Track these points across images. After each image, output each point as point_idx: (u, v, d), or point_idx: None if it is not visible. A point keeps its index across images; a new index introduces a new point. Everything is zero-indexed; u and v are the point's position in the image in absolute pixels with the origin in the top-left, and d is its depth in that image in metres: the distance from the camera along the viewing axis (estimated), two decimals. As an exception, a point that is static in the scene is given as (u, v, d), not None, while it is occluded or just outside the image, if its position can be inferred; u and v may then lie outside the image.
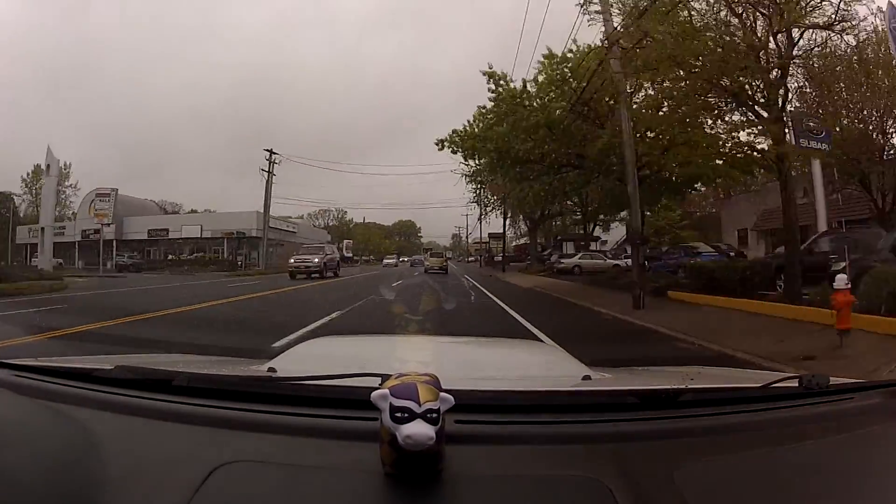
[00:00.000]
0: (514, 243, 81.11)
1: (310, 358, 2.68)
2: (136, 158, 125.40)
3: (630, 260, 38.23)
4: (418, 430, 1.12)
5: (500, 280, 34.86)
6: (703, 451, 1.35)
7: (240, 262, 57.88)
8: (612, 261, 40.33)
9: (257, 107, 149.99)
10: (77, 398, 1.60)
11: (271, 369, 2.01)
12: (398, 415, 1.14)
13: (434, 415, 1.15)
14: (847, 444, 1.46)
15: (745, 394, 1.73)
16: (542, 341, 7.99)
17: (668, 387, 1.58)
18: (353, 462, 1.24)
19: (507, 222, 56.36)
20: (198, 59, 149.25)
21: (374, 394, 1.18)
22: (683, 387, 1.57)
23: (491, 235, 74.10)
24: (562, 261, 40.93)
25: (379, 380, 1.30)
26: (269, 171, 52.45)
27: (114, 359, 2.02)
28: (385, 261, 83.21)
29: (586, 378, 2.09)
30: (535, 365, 2.73)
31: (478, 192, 54.94)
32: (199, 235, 63.27)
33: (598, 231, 64.05)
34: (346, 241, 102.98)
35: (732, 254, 35.96)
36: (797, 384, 1.65)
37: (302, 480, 1.20)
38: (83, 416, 1.47)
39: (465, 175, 46.77)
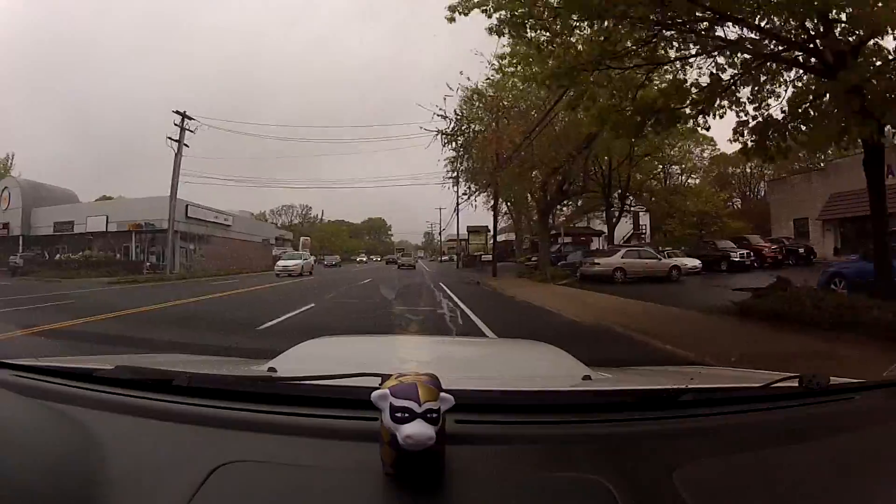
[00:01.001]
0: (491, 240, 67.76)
1: (310, 358, 2.65)
2: (112, 155, 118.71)
3: (691, 261, 29.73)
4: (418, 430, 1.12)
5: (506, 298, 20.39)
6: (703, 450, 1.35)
7: (149, 263, 45.00)
8: (668, 260, 28.90)
9: (235, 100, 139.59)
10: (78, 398, 1.61)
11: (271, 369, 2.00)
12: (398, 415, 1.14)
13: (434, 415, 1.15)
14: (848, 444, 1.46)
15: (746, 394, 1.73)
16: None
17: (669, 387, 1.60)
18: (353, 462, 1.25)
19: (492, 214, 40.47)
20: (172, 53, 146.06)
21: (374, 394, 1.19)
22: (684, 387, 1.59)
23: (470, 229, 59.50)
24: (597, 261, 28.25)
25: (379, 380, 1.29)
26: (179, 141, 38.77)
27: (114, 359, 2.01)
28: (281, 263, 41.57)
29: (586, 378, 2.07)
30: (536, 365, 2.70)
31: (457, 158, 36.20)
32: (104, 228, 48.71)
33: (597, 224, 53.99)
34: (303, 239, 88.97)
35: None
36: (797, 384, 1.65)
37: (302, 480, 1.21)
38: (84, 416, 1.48)
39: (442, 133, 32.45)
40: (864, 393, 1.74)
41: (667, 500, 1.14)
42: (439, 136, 32.10)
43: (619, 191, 39.76)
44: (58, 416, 1.49)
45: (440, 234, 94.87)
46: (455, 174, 38.32)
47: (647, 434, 1.42)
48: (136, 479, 1.20)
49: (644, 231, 56.33)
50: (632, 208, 45.45)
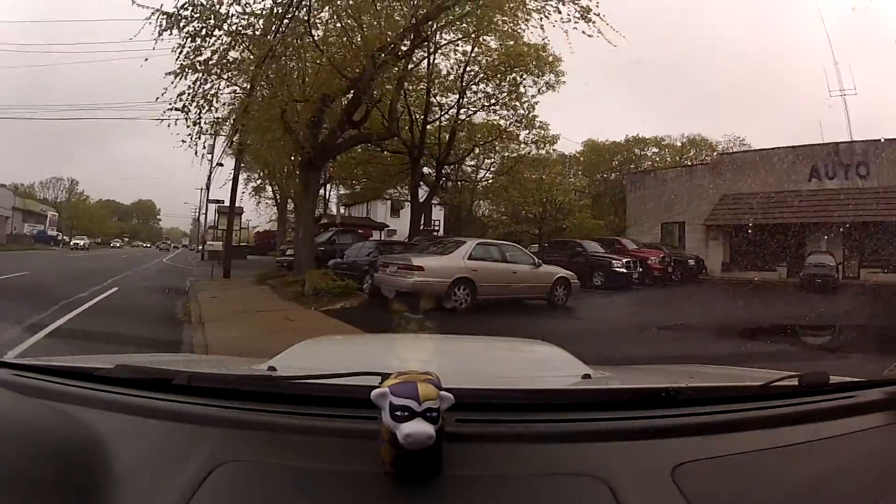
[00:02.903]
0: (256, 228, 50.65)
1: (310, 357, 2.64)
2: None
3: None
4: (418, 428, 1.12)
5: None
6: (702, 449, 1.36)
7: None
8: (550, 269, 15.91)
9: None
10: (77, 397, 1.60)
11: (271, 368, 1.99)
12: (398, 413, 1.14)
13: (434, 413, 1.15)
14: (847, 443, 1.46)
15: (745, 392, 1.73)
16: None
17: (669, 385, 1.58)
18: (353, 461, 1.25)
19: (243, 184, 26.71)
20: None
21: (373, 392, 1.19)
22: (683, 385, 1.59)
23: (221, 210, 35.91)
24: (416, 263, 13.64)
25: (379, 378, 1.29)
26: None
27: (114, 358, 2.00)
28: None
29: (586, 377, 2.07)
30: (536, 363, 2.71)
31: (186, 68, 15.17)
32: None
33: (380, 214, 40.81)
34: (50, 214, 73.39)
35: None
36: (797, 383, 1.65)
37: (302, 479, 1.21)
38: (83, 415, 1.48)
39: (162, 14, 14.18)
40: (863, 392, 1.73)
41: (667, 498, 1.14)
42: (156, 20, 14.49)
43: (438, 158, 26.72)
44: (58, 415, 1.48)
45: (199, 218, 75.26)
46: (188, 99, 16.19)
47: (647, 432, 1.42)
48: (136, 478, 1.20)
49: (437, 228, 39.16)
50: (457, 182, 33.63)
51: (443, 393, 1.18)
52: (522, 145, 30.17)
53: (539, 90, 26.85)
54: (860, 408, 1.63)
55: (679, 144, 48.09)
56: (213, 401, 1.51)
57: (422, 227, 29.60)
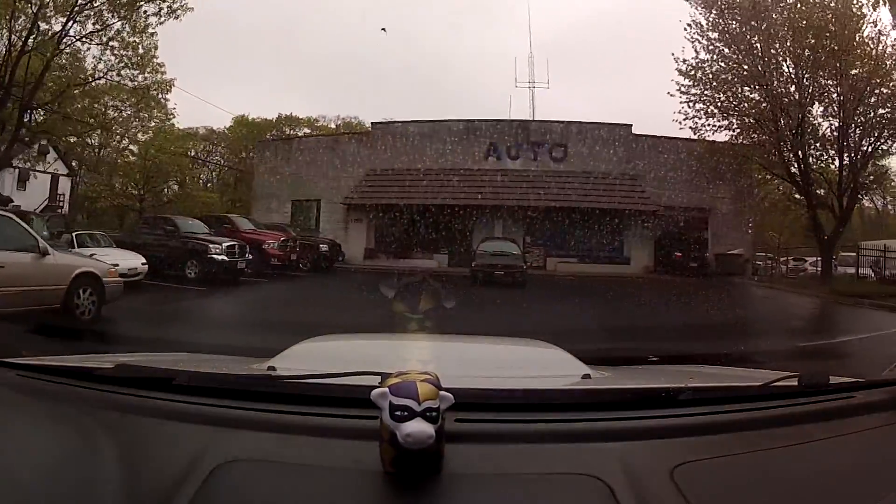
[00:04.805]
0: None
1: (310, 356, 2.61)
2: None
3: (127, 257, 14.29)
4: (418, 428, 1.13)
5: None
6: (702, 449, 1.36)
7: None
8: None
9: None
10: (78, 397, 1.60)
11: (271, 368, 2.00)
12: (398, 413, 1.14)
13: (434, 413, 1.16)
14: (848, 443, 1.47)
15: (745, 393, 1.74)
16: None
17: (668, 386, 1.59)
18: (352, 461, 1.25)
19: None
20: None
21: (373, 392, 1.19)
22: (683, 385, 1.59)
23: None
24: None
25: (378, 378, 1.30)
26: None
27: (115, 358, 2.01)
28: None
29: (586, 377, 2.08)
30: (535, 363, 2.71)
31: None
32: None
33: (8, 185, 31.17)
34: None
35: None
36: (796, 383, 1.66)
37: (302, 479, 1.21)
38: (84, 415, 1.48)
39: None
40: (863, 392, 1.74)
41: (666, 498, 1.15)
42: None
43: (21, 96, 20.41)
44: (58, 415, 1.49)
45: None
46: None
47: (647, 432, 1.42)
48: (137, 477, 1.20)
49: (62, 203, 33.83)
50: (39, 141, 26.26)
51: (442, 393, 1.18)
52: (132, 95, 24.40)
53: (160, 15, 21.63)
54: (860, 408, 1.64)
55: (333, 126, 46.19)
56: (213, 400, 1.50)
57: (45, 203, 24.97)
